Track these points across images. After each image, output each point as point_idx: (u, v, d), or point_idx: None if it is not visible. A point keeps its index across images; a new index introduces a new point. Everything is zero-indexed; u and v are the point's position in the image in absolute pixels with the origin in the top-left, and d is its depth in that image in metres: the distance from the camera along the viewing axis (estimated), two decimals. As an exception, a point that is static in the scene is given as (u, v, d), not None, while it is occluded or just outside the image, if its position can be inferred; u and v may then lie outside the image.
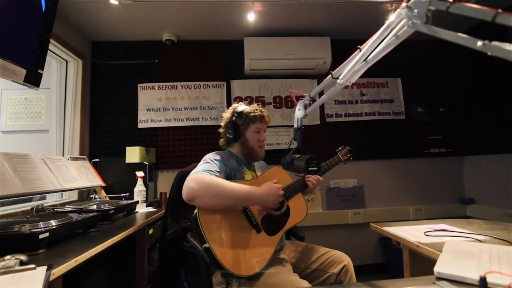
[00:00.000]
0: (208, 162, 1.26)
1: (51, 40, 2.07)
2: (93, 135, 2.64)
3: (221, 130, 1.49)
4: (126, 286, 1.87)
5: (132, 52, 2.76)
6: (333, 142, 2.76)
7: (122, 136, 2.65)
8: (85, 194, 2.39)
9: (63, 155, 2.40)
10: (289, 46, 2.67)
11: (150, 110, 2.70)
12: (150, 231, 1.97)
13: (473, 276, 0.70)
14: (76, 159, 2.16)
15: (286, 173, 1.43)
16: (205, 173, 1.18)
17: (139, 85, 2.73)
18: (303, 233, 1.63)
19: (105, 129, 2.67)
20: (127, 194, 2.16)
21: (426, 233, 1.19)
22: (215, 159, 1.29)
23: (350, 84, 0.80)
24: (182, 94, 2.74)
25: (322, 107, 2.88)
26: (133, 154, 2.35)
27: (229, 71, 2.83)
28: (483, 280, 0.61)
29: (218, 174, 1.22)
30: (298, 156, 0.96)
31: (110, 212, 1.68)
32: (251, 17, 2.40)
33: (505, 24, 0.49)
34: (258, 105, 1.50)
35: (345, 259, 1.35)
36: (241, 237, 1.16)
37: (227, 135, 1.44)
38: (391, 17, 0.66)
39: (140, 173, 2.23)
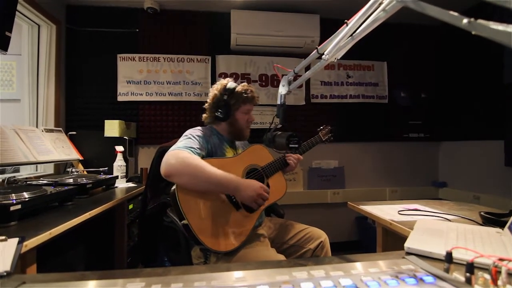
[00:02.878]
0: (189, 138, 1.23)
1: (20, 1, 1.91)
2: (69, 107, 2.52)
3: (206, 105, 1.44)
4: (106, 260, 1.87)
5: (111, 19, 2.59)
6: (317, 123, 2.75)
7: (100, 108, 2.54)
8: (61, 167, 2.31)
9: (36, 127, 2.28)
10: (277, 22, 2.59)
11: (130, 83, 2.58)
12: (130, 206, 1.95)
13: (440, 251, 0.73)
14: (51, 131, 2.06)
15: (267, 151, 1.42)
16: (186, 151, 1.15)
17: (118, 55, 2.59)
18: (283, 211, 1.66)
19: (82, 100, 2.54)
20: (106, 168, 2.10)
21: (400, 212, 1.24)
22: (197, 135, 1.26)
23: (336, 60, 0.78)
24: (164, 67, 2.63)
25: (308, 88, 2.86)
26: (112, 128, 2.27)
27: (214, 46, 2.73)
28: (449, 254, 0.64)
29: (199, 151, 1.19)
30: (279, 133, 0.95)
31: (88, 186, 1.64)
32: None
33: (495, 3, 0.48)
34: (249, 85, 1.44)
35: (321, 236, 1.39)
36: (220, 214, 1.16)
37: (216, 113, 1.38)
38: (380, -9, 0.63)
39: (119, 148, 2.17)
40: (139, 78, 2.60)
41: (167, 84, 2.63)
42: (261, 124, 2.72)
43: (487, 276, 0.58)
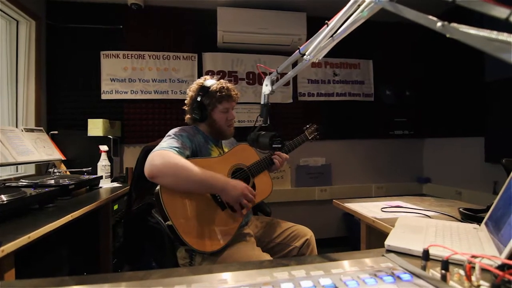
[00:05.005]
0: (173, 138, 1.22)
1: (-5, -5, 1.83)
2: (51, 106, 2.45)
3: (185, 107, 1.42)
4: (90, 262, 1.83)
5: (93, 15, 2.52)
6: (304, 120, 2.78)
7: (83, 107, 2.48)
8: (43, 168, 2.24)
9: (16, 126, 2.21)
10: (264, 20, 2.58)
11: (114, 81, 2.53)
12: (115, 207, 1.91)
13: (419, 248, 0.75)
14: (31, 130, 2.00)
15: (253, 150, 1.42)
16: (171, 151, 1.13)
17: (102, 52, 2.53)
18: (270, 209, 1.67)
19: (64, 99, 2.47)
20: (90, 168, 2.06)
21: (383, 209, 1.26)
22: (180, 135, 1.25)
23: (317, 61, 0.78)
24: (150, 65, 2.59)
25: (295, 86, 2.87)
26: (95, 127, 2.22)
27: (201, 43, 2.70)
28: (425, 252, 0.65)
29: (183, 151, 1.18)
30: (263, 133, 0.95)
31: (70, 187, 1.60)
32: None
33: (465, 6, 0.49)
34: (229, 80, 1.42)
35: (307, 233, 1.40)
36: (205, 214, 1.16)
37: (193, 115, 1.37)
38: (359, -8, 0.64)
39: (103, 147, 2.13)
40: (123, 75, 2.54)
41: (153, 82, 2.59)
42: (249, 122, 2.72)
43: (462, 272, 0.60)
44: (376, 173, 3.03)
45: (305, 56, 0.77)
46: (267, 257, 1.16)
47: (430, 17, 0.52)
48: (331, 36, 0.72)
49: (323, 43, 0.74)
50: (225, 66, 2.73)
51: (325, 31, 0.72)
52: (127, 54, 2.56)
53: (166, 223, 1.12)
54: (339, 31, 0.71)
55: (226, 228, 1.18)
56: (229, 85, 1.39)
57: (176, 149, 1.15)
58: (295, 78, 2.86)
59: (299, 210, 2.84)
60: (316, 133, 1.69)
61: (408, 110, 3.08)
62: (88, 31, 2.52)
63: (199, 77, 2.64)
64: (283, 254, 1.37)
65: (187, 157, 1.20)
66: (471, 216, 1.09)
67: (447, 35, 0.52)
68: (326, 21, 0.72)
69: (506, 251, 0.66)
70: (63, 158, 2.13)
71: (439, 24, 0.50)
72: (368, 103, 3.00)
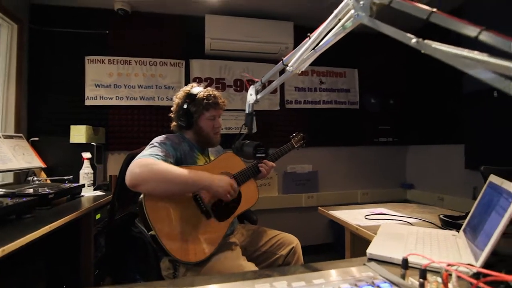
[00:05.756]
0: (155, 146, 1.20)
1: (-26, -2, 1.78)
2: (32, 111, 2.37)
3: (172, 115, 1.41)
4: (71, 273, 1.77)
5: (78, 19, 2.48)
6: (291, 128, 2.80)
7: (66, 113, 2.42)
8: (22, 176, 2.16)
9: (-6, 132, 2.13)
10: (252, 28, 2.60)
11: (99, 86, 2.48)
12: (98, 216, 1.86)
13: (400, 256, 0.76)
14: (10, 137, 1.93)
15: (239, 158, 1.42)
16: (151, 158, 1.12)
17: (86, 57, 2.49)
18: (256, 217, 1.66)
19: (46, 104, 2.40)
20: (71, 177, 2.00)
21: (366, 217, 1.28)
22: (163, 143, 1.23)
23: (300, 72, 0.80)
24: (136, 71, 2.56)
25: (282, 93, 2.90)
26: (78, 134, 2.17)
27: (188, 50, 2.70)
28: (405, 261, 0.66)
29: (166, 158, 1.16)
30: (247, 142, 0.96)
31: (50, 196, 1.54)
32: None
33: (438, 24, 0.51)
34: (217, 88, 1.43)
35: (293, 241, 1.40)
36: (190, 224, 1.14)
37: (179, 122, 1.36)
38: (339, 7, 0.66)
39: (86, 155, 2.07)
40: (108, 81, 2.50)
41: (139, 88, 2.56)
42: (236, 130, 2.71)
43: (440, 280, 0.61)
44: (362, 180, 3.08)
45: (288, 68, 0.78)
46: (252, 266, 1.15)
47: (406, 33, 0.54)
48: (313, 48, 0.73)
49: (305, 55, 0.75)
50: (213, 73, 2.73)
51: (307, 44, 0.74)
52: (113, 59, 2.53)
53: (149, 233, 1.09)
54: (321, 43, 0.73)
55: (211, 238, 1.17)
56: (216, 92, 1.39)
57: (158, 157, 1.14)
58: (282, 86, 2.89)
59: (286, 217, 2.84)
60: (303, 141, 1.70)
61: (392, 118, 3.15)
62: (73, 35, 2.47)
63: (186, 83, 2.65)
64: (269, 263, 1.36)
65: (171, 165, 1.19)
66: (450, 223, 1.12)
67: (422, 51, 0.54)
68: (308, 34, 0.74)
69: (481, 259, 0.68)
70: (43, 165, 2.06)
71: (413, 40, 0.52)
72: (353, 111, 3.06)
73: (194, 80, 2.67)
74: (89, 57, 2.49)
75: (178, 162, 1.26)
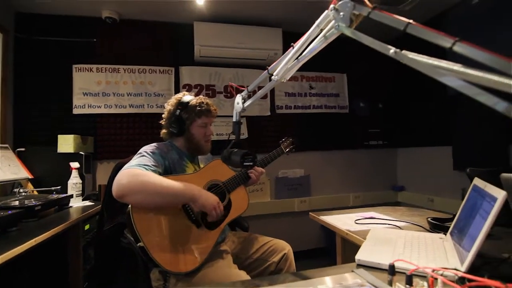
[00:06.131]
0: (143, 156, 1.19)
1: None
2: (18, 121, 2.33)
3: (163, 122, 1.41)
4: (59, 286, 1.73)
5: (66, 27, 2.46)
6: (282, 133, 2.81)
7: (53, 122, 2.37)
8: (8, 188, 2.11)
9: (-22, 144, 2.08)
10: (240, 35, 2.62)
11: (87, 95, 2.45)
12: (86, 227, 1.83)
13: (387, 262, 0.77)
14: (-5, 148, 1.89)
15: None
16: (139, 168, 1.10)
17: (74, 66, 2.46)
18: (247, 224, 1.65)
19: (32, 114, 2.36)
20: (59, 187, 1.96)
21: (356, 221, 1.29)
22: (152, 152, 1.22)
23: (285, 81, 0.81)
24: (124, 79, 2.54)
25: (272, 99, 2.91)
26: (66, 143, 2.13)
27: (178, 57, 2.70)
28: (391, 267, 0.67)
29: (154, 168, 1.15)
30: (235, 150, 0.96)
31: (36, 208, 1.51)
32: (200, 0, 2.29)
33: (414, 35, 0.53)
34: (207, 94, 1.43)
35: (285, 248, 1.40)
36: (179, 233, 1.13)
37: (170, 129, 1.36)
38: (320, 17, 0.67)
39: (74, 164, 2.04)
40: (97, 89, 2.48)
41: (128, 95, 2.54)
42: (227, 135, 2.70)
43: (426, 285, 0.62)
44: (353, 183, 3.10)
45: (273, 77, 0.79)
46: (243, 275, 1.14)
47: (384, 44, 0.55)
48: (297, 58, 0.74)
49: (289, 64, 0.76)
50: (203, 80, 2.73)
51: (291, 53, 0.75)
52: (101, 67, 2.50)
53: (138, 244, 1.08)
54: (304, 53, 0.74)
55: (201, 247, 1.16)
56: (208, 100, 1.40)
57: (146, 166, 1.13)
58: (272, 92, 2.90)
59: (278, 223, 2.84)
60: (292, 146, 1.71)
61: (381, 121, 3.20)
62: (60, 44, 2.44)
63: (176, 91, 2.64)
64: (261, 270, 1.35)
65: (159, 175, 1.18)
66: (438, 226, 1.13)
67: (401, 61, 0.55)
68: (292, 44, 0.75)
69: (466, 264, 0.69)
70: (30, 176, 2.02)
71: (391, 51, 0.54)
72: (343, 115, 3.09)
73: (183, 87, 2.67)
74: (77, 65, 2.46)
75: (167, 171, 1.26)
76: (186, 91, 2.64)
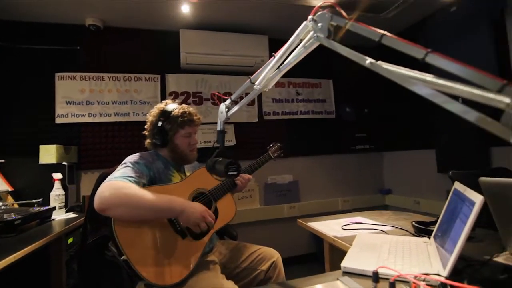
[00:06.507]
0: (127, 166, 1.17)
1: None
2: (-3, 132, 2.25)
3: (146, 132, 1.39)
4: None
5: (48, 35, 2.41)
6: (270, 139, 2.81)
7: (34, 132, 2.31)
8: (-14, 201, 2.03)
9: (-46, 156, 2.00)
10: (227, 42, 2.63)
11: (70, 103, 2.40)
12: (70, 240, 1.77)
13: (371, 268, 0.77)
14: (-28, 160, 1.82)
15: (214, 174, 1.40)
16: (122, 180, 1.08)
17: (56, 74, 2.41)
18: (236, 232, 1.64)
19: (12, 124, 2.29)
20: (41, 199, 1.90)
21: (343, 227, 1.29)
22: (136, 162, 1.20)
23: (267, 90, 0.81)
24: (109, 87, 2.50)
25: (260, 105, 2.93)
26: (48, 154, 2.07)
27: (164, 64, 2.68)
28: (375, 274, 0.68)
29: (138, 179, 1.13)
30: (220, 159, 0.95)
31: (16, 222, 1.45)
32: (185, 8, 2.29)
33: (389, 46, 0.54)
34: (194, 101, 1.41)
35: (274, 255, 1.39)
36: (164, 245, 1.11)
37: (154, 140, 1.33)
38: (300, 27, 0.68)
39: (57, 175, 1.98)
40: (80, 98, 2.43)
41: (113, 104, 2.49)
42: (212, 144, 2.69)
43: (410, 291, 0.62)
44: (342, 187, 3.13)
45: (255, 86, 0.79)
46: (231, 285, 1.13)
47: (361, 55, 0.57)
48: (278, 67, 0.75)
49: (270, 73, 0.76)
50: (189, 87, 2.72)
51: (272, 63, 0.75)
52: (85, 75, 2.46)
53: (121, 258, 1.05)
54: (285, 62, 0.74)
55: (188, 258, 1.14)
56: (191, 109, 1.38)
57: (130, 178, 1.10)
58: (259, 98, 2.91)
59: (268, 229, 2.83)
60: (280, 151, 1.72)
61: (367, 126, 3.25)
62: (42, 52, 2.39)
63: (162, 98, 2.62)
64: (249, 279, 1.34)
65: (144, 186, 1.15)
66: (422, 230, 1.15)
67: (379, 72, 0.56)
68: (273, 54, 0.76)
69: (447, 269, 0.70)
70: (10, 189, 1.96)
71: (367, 61, 0.55)
72: (330, 120, 3.13)
73: (170, 95, 2.65)
74: (60, 73, 2.41)
75: (152, 181, 1.23)
76: (173, 98, 2.62)
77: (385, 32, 0.54)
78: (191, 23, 2.57)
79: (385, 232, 1.19)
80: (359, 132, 3.20)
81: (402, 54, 0.52)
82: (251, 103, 2.87)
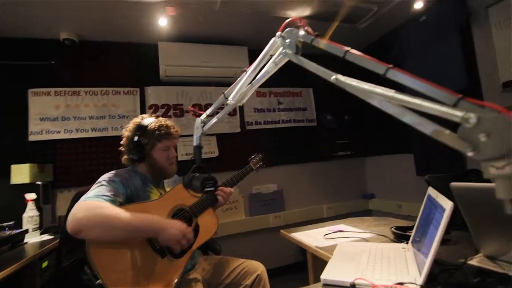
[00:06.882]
0: (102, 185, 1.13)
1: None
2: (-36, 152, 2.14)
3: (122, 148, 1.35)
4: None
5: (21, 51, 2.34)
6: (253, 149, 2.81)
7: (6, 152, 2.20)
8: (-48, 226, 1.90)
9: None
10: (207, 54, 2.64)
11: (44, 120, 2.32)
12: (44, 264, 1.68)
13: (350, 279, 0.78)
14: None
15: (194, 189, 1.38)
16: (96, 200, 1.04)
17: (30, 90, 2.32)
18: (219, 246, 1.61)
19: (-18, 143, 2.18)
20: (12, 222, 1.80)
21: (325, 236, 1.30)
22: (112, 180, 1.16)
23: (241, 105, 0.81)
24: (86, 101, 2.44)
25: (242, 115, 2.93)
26: (20, 174, 1.98)
27: (143, 77, 2.64)
28: (352, 285, 0.68)
29: (113, 198, 1.09)
30: (197, 175, 0.94)
31: (-17, 249, 1.37)
32: (163, 21, 2.29)
33: (353, 62, 0.55)
34: (175, 114, 1.39)
35: (258, 269, 1.37)
36: (142, 266, 1.07)
37: (131, 156, 1.30)
38: (269, 44, 0.69)
39: (30, 196, 1.89)
40: (55, 114, 2.35)
41: (90, 119, 2.43)
42: (190, 159, 2.65)
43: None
44: (326, 194, 3.16)
45: (228, 101, 0.79)
46: (213, 303, 1.10)
47: (327, 70, 0.58)
48: (250, 82, 0.75)
49: (243, 89, 0.77)
50: (170, 99, 2.69)
51: (244, 78, 0.76)
52: (60, 91, 2.39)
53: (97, 282, 1.01)
54: (257, 78, 0.75)
55: (167, 278, 1.10)
56: (168, 122, 1.36)
57: (105, 197, 1.07)
58: (241, 108, 2.92)
59: (254, 240, 2.80)
60: (262, 162, 1.72)
61: (348, 132, 3.32)
62: (14, 68, 2.31)
63: (142, 111, 2.58)
64: (234, 295, 1.31)
65: (120, 204, 1.12)
66: (401, 235, 1.17)
67: (347, 89, 0.58)
68: (245, 69, 0.76)
69: (422, 277, 0.71)
70: (-22, 212, 1.84)
71: (333, 77, 0.56)
72: (312, 128, 3.17)
73: (150, 108, 2.61)
74: (33, 89, 2.33)
75: (129, 199, 1.20)
76: (153, 111, 2.59)
77: (349, 49, 0.55)
78: (170, 36, 2.57)
79: (365, 239, 1.21)
80: (340, 139, 3.26)
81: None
82: (233, 113, 2.87)
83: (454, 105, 0.42)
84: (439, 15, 2.42)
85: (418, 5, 2.30)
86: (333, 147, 3.23)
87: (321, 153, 3.17)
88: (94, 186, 1.14)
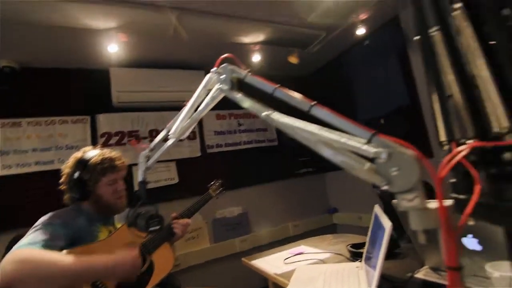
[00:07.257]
0: (37, 230, 1.02)
1: None
2: None
3: (62, 187, 1.25)
4: None
5: None
6: (215, 173, 2.77)
7: None
8: None
9: None
10: (162, 78, 2.60)
11: (-23, 156, 2.08)
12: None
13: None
14: None
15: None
16: (29, 248, 0.93)
17: (-41, 124, 2.09)
18: (179, 282, 1.52)
19: None
20: None
21: (285, 261, 1.29)
22: (50, 223, 1.06)
23: (184, 139, 0.80)
24: (28, 133, 2.24)
25: (202, 139, 2.89)
26: None
27: (93, 104, 2.51)
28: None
29: (50, 243, 0.99)
30: (142, 212, 0.89)
31: None
32: (113, 48, 2.22)
33: (280, 98, 0.57)
34: (129, 141, 1.32)
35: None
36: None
37: (72, 194, 1.21)
38: (205, 79, 0.69)
39: (-43, 245, 1.65)
40: (-9, 149, 2.13)
41: (33, 152, 2.23)
42: (156, 183, 2.55)
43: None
44: (291, 212, 3.18)
45: (169, 136, 0.77)
46: None
47: (260, 106, 0.59)
48: (190, 116, 0.75)
49: (184, 123, 0.76)
50: (124, 126, 2.58)
51: (183, 112, 0.75)
52: (-3, 123, 2.18)
53: None
54: (196, 112, 0.75)
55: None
56: (112, 154, 1.29)
57: (41, 243, 0.96)
58: (201, 132, 2.88)
59: (221, 267, 2.69)
60: (221, 188, 1.70)
61: (309, 149, 3.40)
62: None
63: (93, 140, 2.43)
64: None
65: (61, 249, 1.02)
66: (355, 253, 1.20)
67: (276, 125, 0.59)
68: (185, 102, 0.76)
69: (367, 299, 0.72)
70: None
71: (263, 114, 0.57)
72: (273, 148, 3.22)
73: (102, 136, 2.47)
74: (-37, 123, 2.10)
75: (73, 242, 1.09)
76: (106, 139, 2.46)
77: (277, 86, 0.58)
78: (123, 61, 2.49)
79: (322, 261, 1.22)
80: (301, 156, 3.34)
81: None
82: (193, 137, 2.82)
83: (368, 141, 0.44)
84: (379, 40, 2.66)
85: (361, 31, 2.50)
86: (295, 164, 3.29)
87: (283, 172, 3.21)
88: (29, 232, 1.03)
